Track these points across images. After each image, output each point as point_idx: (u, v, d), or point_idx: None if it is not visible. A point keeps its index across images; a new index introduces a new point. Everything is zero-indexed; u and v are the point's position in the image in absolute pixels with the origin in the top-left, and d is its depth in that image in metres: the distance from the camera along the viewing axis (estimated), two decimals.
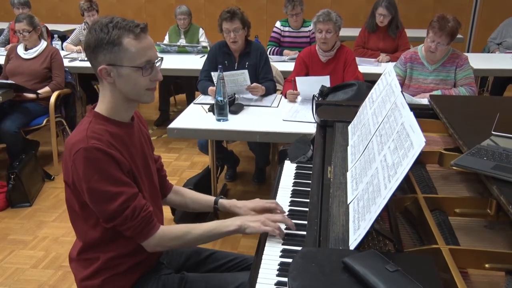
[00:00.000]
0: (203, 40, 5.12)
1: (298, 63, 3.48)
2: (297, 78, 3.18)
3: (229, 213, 1.68)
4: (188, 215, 3.02)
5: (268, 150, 3.66)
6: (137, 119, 1.59)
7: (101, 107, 1.47)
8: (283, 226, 1.50)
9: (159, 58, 1.46)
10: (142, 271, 1.56)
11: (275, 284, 1.27)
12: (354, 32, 5.19)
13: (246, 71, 3.14)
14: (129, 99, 1.46)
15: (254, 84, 3.21)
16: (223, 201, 1.71)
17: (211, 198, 1.75)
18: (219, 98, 2.75)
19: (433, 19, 3.11)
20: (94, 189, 1.35)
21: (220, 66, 2.90)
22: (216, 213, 1.73)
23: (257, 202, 1.63)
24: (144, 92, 1.44)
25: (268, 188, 3.59)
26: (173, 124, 2.79)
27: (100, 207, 1.38)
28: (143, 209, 1.42)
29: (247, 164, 4.04)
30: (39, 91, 3.71)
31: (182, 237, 1.50)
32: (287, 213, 1.61)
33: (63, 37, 5.38)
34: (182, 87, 5.29)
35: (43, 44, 3.86)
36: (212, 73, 3.15)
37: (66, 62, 4.20)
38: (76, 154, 1.35)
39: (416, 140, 1.11)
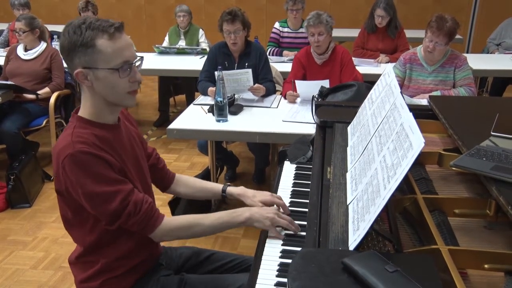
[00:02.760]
0: (203, 41, 5.13)
1: (295, 63, 3.48)
2: (296, 82, 3.18)
3: (237, 202, 1.67)
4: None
5: (268, 151, 3.66)
6: (124, 118, 1.54)
7: (83, 111, 1.42)
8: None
9: (138, 58, 1.40)
10: (141, 273, 1.56)
11: (275, 285, 1.27)
12: (354, 32, 5.20)
13: (250, 71, 3.14)
14: (109, 103, 1.40)
15: (257, 85, 3.21)
16: (231, 189, 1.68)
17: (219, 186, 1.72)
18: (219, 99, 2.75)
19: (431, 19, 3.12)
20: (90, 193, 1.32)
21: (220, 67, 2.90)
22: (225, 200, 1.71)
23: (266, 196, 1.60)
24: (125, 96, 1.38)
25: (268, 188, 3.56)
26: (173, 125, 2.80)
27: (100, 209, 1.36)
28: (143, 201, 1.40)
29: (246, 165, 4.04)
30: (38, 92, 3.72)
31: (190, 228, 1.48)
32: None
33: None
34: (182, 87, 5.29)
35: (43, 45, 3.86)
36: (216, 72, 3.14)
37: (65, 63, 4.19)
38: (64, 160, 1.31)
39: (415, 141, 1.11)
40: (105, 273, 1.49)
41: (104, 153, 1.35)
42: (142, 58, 1.42)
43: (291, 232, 1.48)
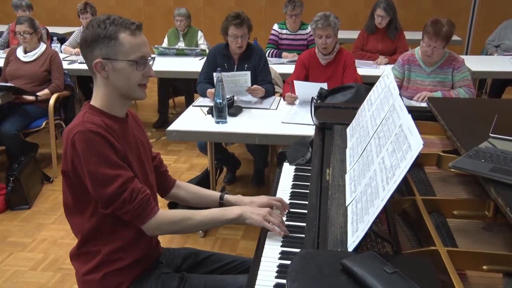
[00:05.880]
0: (202, 43, 5.13)
1: (298, 65, 3.49)
2: (295, 82, 3.18)
3: None
4: None
5: (267, 152, 3.66)
6: (132, 118, 1.61)
7: (95, 101, 1.50)
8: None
9: (152, 56, 1.51)
10: (142, 268, 1.57)
11: (274, 286, 1.27)
12: (353, 34, 5.21)
13: (248, 73, 3.15)
14: (121, 95, 1.49)
15: (255, 86, 3.22)
16: (228, 197, 1.72)
17: (216, 194, 1.75)
18: (218, 101, 2.75)
19: (426, 23, 3.13)
20: (93, 171, 1.38)
21: (219, 69, 2.91)
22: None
23: (263, 199, 1.64)
24: (136, 88, 1.48)
25: (267, 190, 3.59)
26: (172, 127, 2.80)
27: (98, 190, 1.40)
28: (140, 191, 1.44)
29: (245, 167, 4.04)
30: (38, 94, 3.72)
31: (182, 221, 1.51)
32: (285, 218, 1.60)
33: (62, 39, 5.38)
34: (181, 89, 5.30)
35: (43, 46, 3.87)
36: (214, 74, 3.15)
37: (65, 65, 4.20)
38: (74, 137, 1.38)
39: (414, 142, 1.12)
40: (107, 265, 1.50)
41: (111, 137, 1.42)
42: (154, 57, 1.55)
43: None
